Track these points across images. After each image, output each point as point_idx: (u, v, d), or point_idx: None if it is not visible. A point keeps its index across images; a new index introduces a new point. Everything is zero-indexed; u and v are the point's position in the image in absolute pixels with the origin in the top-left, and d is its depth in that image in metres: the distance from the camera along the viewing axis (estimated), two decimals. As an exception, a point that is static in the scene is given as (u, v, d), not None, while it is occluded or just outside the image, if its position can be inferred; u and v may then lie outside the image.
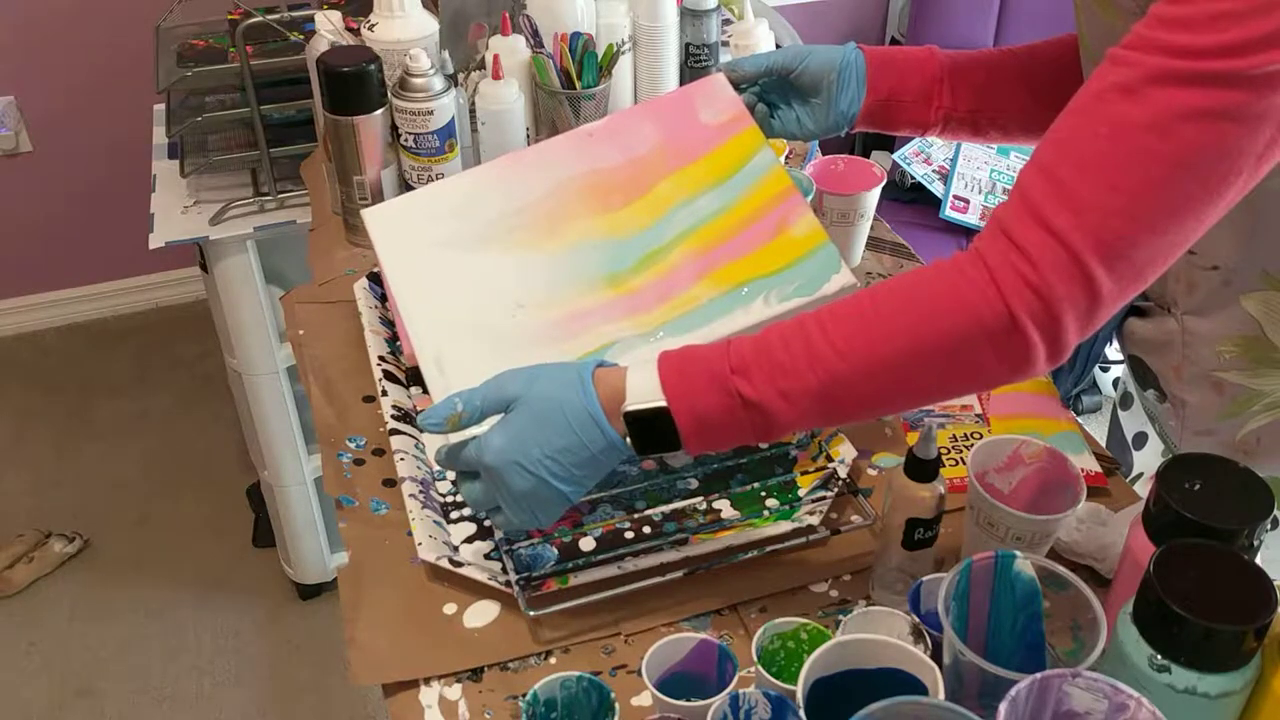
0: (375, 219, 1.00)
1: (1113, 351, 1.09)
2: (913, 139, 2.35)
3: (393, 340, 1.13)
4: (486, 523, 0.94)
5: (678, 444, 0.78)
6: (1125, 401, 1.15)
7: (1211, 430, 0.96)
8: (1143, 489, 1.11)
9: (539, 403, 0.80)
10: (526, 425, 0.80)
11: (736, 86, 1.05)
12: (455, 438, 0.84)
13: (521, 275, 0.95)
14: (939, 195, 2.31)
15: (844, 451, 0.99)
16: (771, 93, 1.07)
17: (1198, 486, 0.71)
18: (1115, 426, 1.18)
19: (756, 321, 0.92)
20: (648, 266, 0.95)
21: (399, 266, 0.97)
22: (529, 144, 1.35)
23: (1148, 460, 1.11)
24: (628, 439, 0.79)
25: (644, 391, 0.78)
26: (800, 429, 0.79)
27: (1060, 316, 0.71)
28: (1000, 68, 1.04)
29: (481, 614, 0.89)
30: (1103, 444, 1.07)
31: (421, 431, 0.87)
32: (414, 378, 1.08)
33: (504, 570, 0.90)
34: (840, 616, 0.83)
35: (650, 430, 0.78)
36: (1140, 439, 1.12)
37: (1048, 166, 0.72)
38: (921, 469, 0.82)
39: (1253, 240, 0.86)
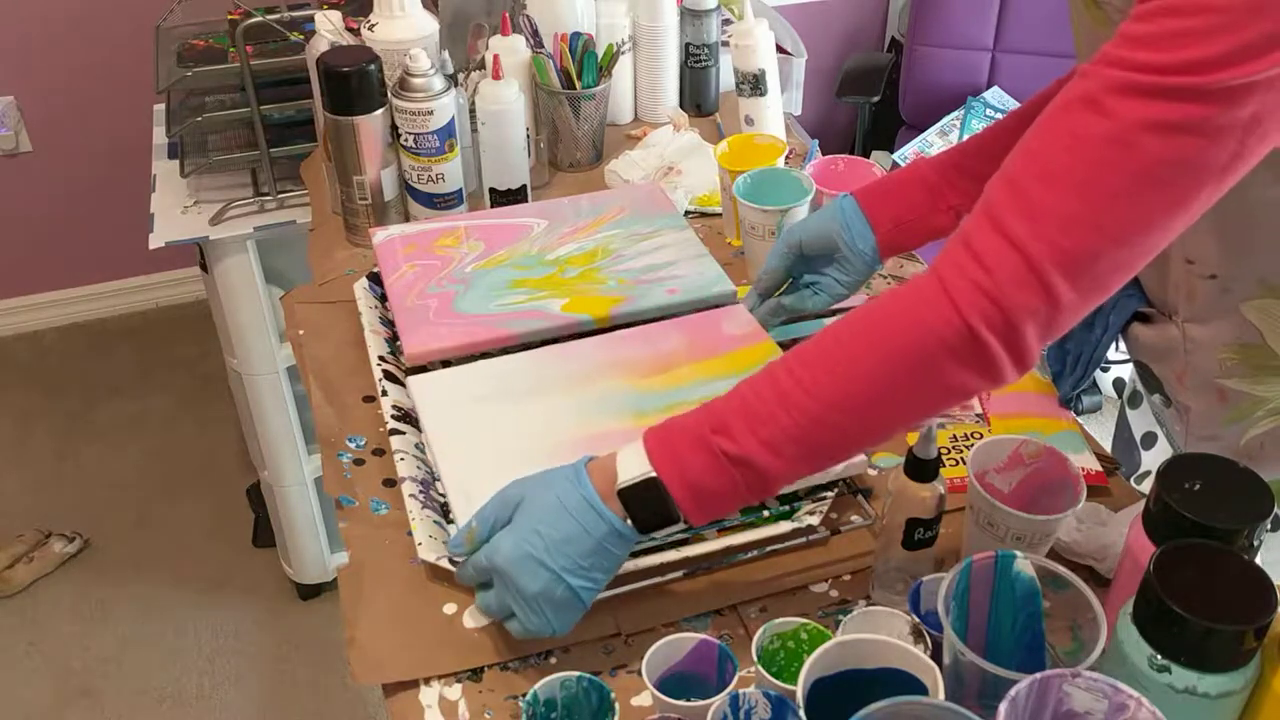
0: (418, 383, 1.04)
1: (1114, 352, 1.09)
2: (914, 139, 2.35)
3: (393, 340, 1.13)
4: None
5: (676, 515, 0.78)
6: (1134, 400, 1.15)
7: (1216, 436, 0.96)
8: (1149, 485, 1.11)
9: (539, 501, 0.81)
10: (530, 523, 0.80)
11: (776, 288, 1.09)
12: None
13: (550, 415, 1.00)
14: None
15: (844, 452, 0.99)
16: (803, 274, 1.08)
17: (1198, 486, 0.71)
18: (1123, 425, 1.18)
19: None
20: (670, 410, 0.98)
21: (436, 416, 1.01)
22: (529, 144, 1.36)
23: (1157, 460, 1.11)
24: (628, 521, 0.79)
25: (633, 467, 0.78)
26: (794, 477, 0.78)
27: (1019, 325, 0.70)
28: (998, 143, 1.01)
29: (481, 614, 0.89)
30: (1103, 444, 1.07)
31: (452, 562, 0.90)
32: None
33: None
34: (840, 616, 0.83)
35: (646, 504, 0.78)
36: (1149, 439, 1.12)
37: (1013, 177, 0.71)
38: (921, 469, 0.82)
39: (1250, 250, 0.86)
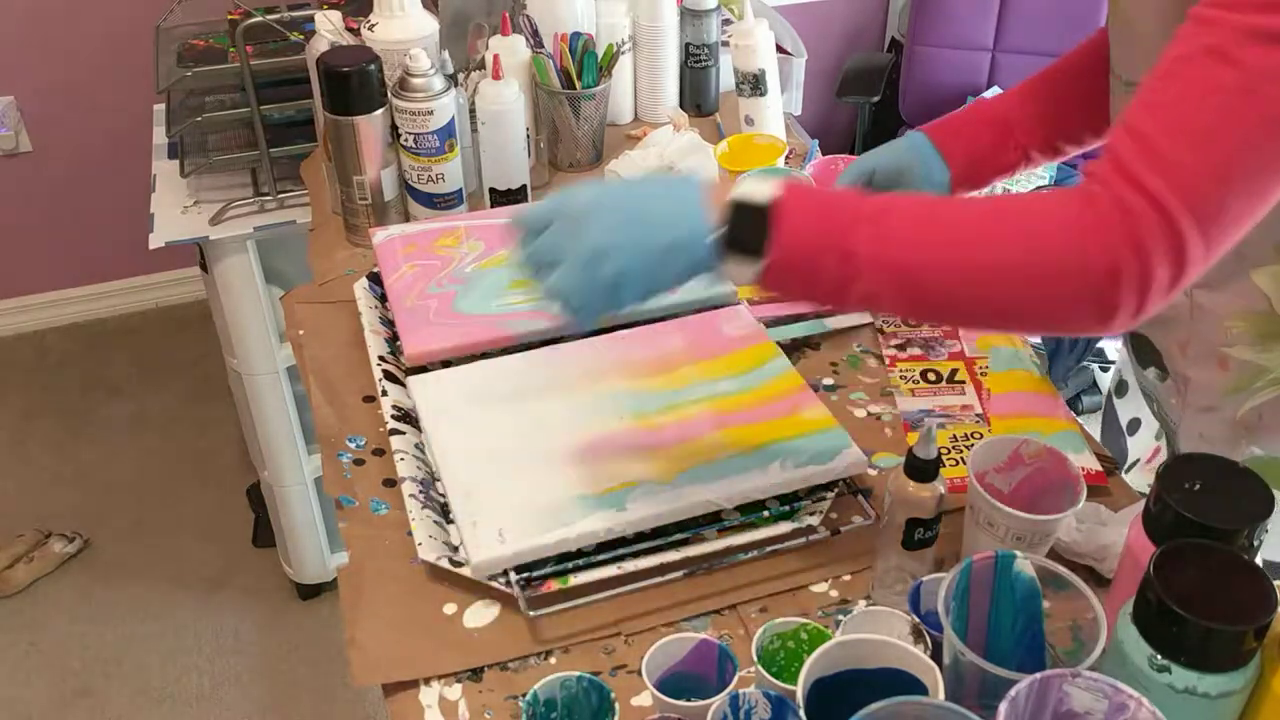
0: (418, 383, 1.05)
1: (1113, 351, 1.09)
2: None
3: (393, 340, 1.13)
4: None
5: (761, 250, 0.75)
6: (1120, 389, 1.15)
7: (1214, 407, 0.96)
8: (1137, 476, 1.11)
9: (643, 183, 0.82)
10: (623, 189, 0.82)
11: None
12: None
13: (550, 415, 1.00)
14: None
15: (844, 451, 0.99)
16: None
17: (1198, 486, 0.71)
18: (1110, 416, 1.18)
19: (773, 483, 0.94)
20: (669, 412, 1.01)
21: (435, 416, 1.01)
22: (529, 144, 1.36)
23: (1143, 445, 1.11)
24: (715, 232, 0.76)
25: (760, 190, 0.76)
26: (874, 304, 0.78)
27: (1152, 278, 0.70)
28: (1056, 84, 1.04)
29: (481, 614, 0.89)
30: (1099, 437, 1.07)
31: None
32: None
33: (504, 570, 0.90)
34: (840, 616, 0.83)
35: (747, 224, 0.75)
36: (1134, 425, 1.12)
37: (1138, 129, 0.71)
38: (921, 469, 0.82)
39: (1271, 214, 0.86)
